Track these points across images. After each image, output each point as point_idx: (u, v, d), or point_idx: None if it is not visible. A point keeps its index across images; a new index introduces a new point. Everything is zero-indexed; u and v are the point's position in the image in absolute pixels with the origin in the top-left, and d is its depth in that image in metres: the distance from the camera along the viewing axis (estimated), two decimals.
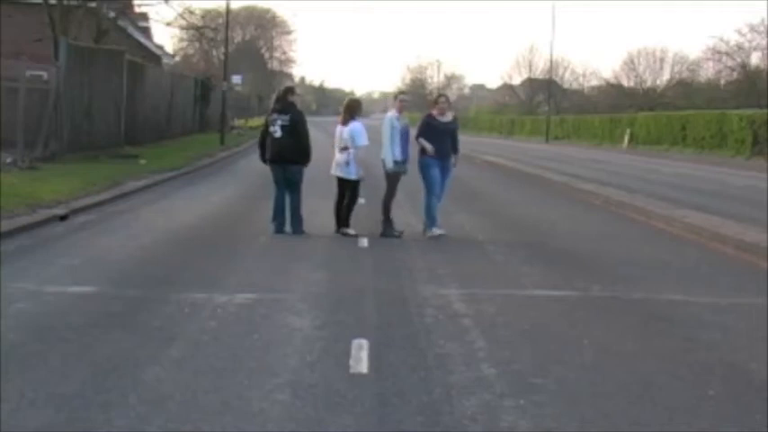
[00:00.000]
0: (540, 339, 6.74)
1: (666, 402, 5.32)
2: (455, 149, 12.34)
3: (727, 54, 65.13)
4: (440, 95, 13.00)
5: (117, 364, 5.70)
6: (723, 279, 9.81)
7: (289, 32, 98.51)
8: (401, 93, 13.59)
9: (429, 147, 11.98)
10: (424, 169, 12.11)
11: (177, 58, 67.44)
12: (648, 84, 78.67)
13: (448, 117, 12.31)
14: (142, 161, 22.82)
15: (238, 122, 58.01)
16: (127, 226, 12.52)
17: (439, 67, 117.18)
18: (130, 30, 35.86)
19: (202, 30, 42.00)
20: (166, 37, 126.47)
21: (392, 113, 12.10)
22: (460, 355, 6.20)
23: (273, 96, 12.55)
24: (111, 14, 28.99)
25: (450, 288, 8.59)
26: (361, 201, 12.50)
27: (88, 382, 5.33)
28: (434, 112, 12.27)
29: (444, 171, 12.21)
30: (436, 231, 11.96)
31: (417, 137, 12.17)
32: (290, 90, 12.45)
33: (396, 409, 5.03)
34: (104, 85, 24.76)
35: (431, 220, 12.08)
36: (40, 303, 7.39)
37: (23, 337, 6.31)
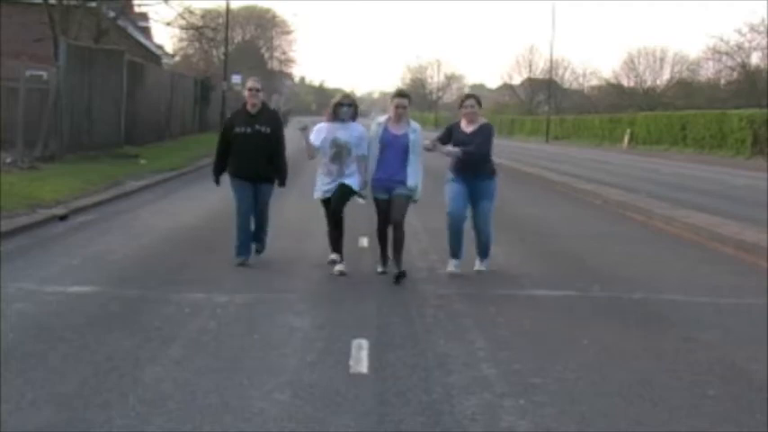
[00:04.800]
0: (540, 339, 6.74)
1: (666, 402, 5.32)
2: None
3: (727, 54, 65.17)
4: (466, 97, 9.62)
5: (117, 364, 5.70)
6: (723, 279, 9.81)
7: (289, 32, 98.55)
8: (399, 94, 9.39)
9: (450, 150, 9.29)
10: (447, 184, 9.60)
11: (177, 58, 67.46)
12: (648, 84, 78.77)
13: (476, 125, 9.34)
14: (142, 161, 22.84)
15: None
16: (127, 226, 12.51)
17: (439, 67, 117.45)
18: (130, 30, 35.89)
19: (202, 30, 41.97)
20: (166, 37, 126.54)
21: (383, 118, 9.39)
22: (460, 355, 6.20)
23: (253, 96, 9.54)
24: (111, 14, 29.00)
25: (450, 288, 8.59)
26: (360, 201, 12.42)
27: (88, 381, 5.33)
28: (462, 121, 9.44)
29: (476, 193, 9.40)
30: (450, 268, 9.36)
31: (436, 138, 9.67)
32: (257, 92, 9.61)
33: (396, 409, 5.03)
34: (104, 85, 24.75)
35: (451, 247, 9.45)
36: (40, 303, 7.39)
37: (23, 337, 6.31)
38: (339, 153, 9.09)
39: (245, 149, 9.46)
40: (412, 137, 9.10)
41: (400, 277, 8.83)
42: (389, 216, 9.10)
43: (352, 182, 9.12)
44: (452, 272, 9.30)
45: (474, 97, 9.62)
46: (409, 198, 9.13)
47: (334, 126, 9.17)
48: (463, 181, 9.38)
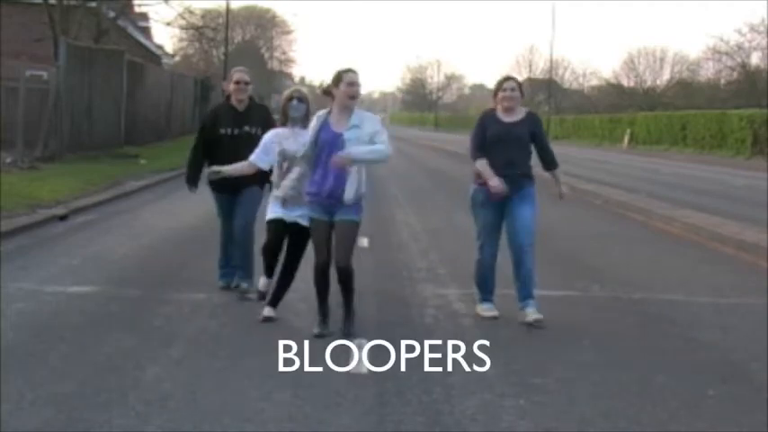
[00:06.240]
0: (540, 339, 6.73)
1: (666, 402, 5.32)
2: (547, 164, 7.46)
3: (727, 54, 65.16)
4: (505, 79, 7.46)
5: (117, 364, 5.71)
6: (723, 279, 9.81)
7: (289, 32, 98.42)
8: (351, 70, 6.62)
9: (487, 173, 7.14)
10: (473, 207, 7.46)
11: (177, 58, 67.44)
12: (648, 84, 78.73)
13: (517, 115, 7.34)
14: (142, 161, 22.87)
15: None
16: (127, 226, 12.51)
17: (439, 67, 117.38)
18: (130, 30, 35.91)
19: (202, 30, 41.99)
20: (166, 37, 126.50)
21: (323, 112, 6.70)
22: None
23: (242, 90, 7.86)
24: (111, 14, 29.02)
25: (450, 288, 8.59)
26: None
27: (88, 381, 5.33)
28: (497, 108, 7.38)
29: (515, 200, 7.21)
30: (485, 311, 7.38)
31: (473, 153, 7.39)
32: (246, 85, 7.91)
33: (396, 409, 5.03)
34: (104, 85, 24.78)
35: (480, 287, 7.47)
36: (39, 303, 7.39)
37: (23, 337, 6.31)
38: (291, 170, 6.84)
39: (230, 155, 7.40)
40: (348, 134, 6.48)
41: (349, 335, 6.51)
42: (331, 252, 6.62)
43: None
44: (494, 315, 7.31)
45: (514, 80, 7.51)
46: (357, 225, 6.70)
47: (283, 133, 6.92)
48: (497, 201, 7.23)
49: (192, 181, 8.10)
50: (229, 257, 8.09)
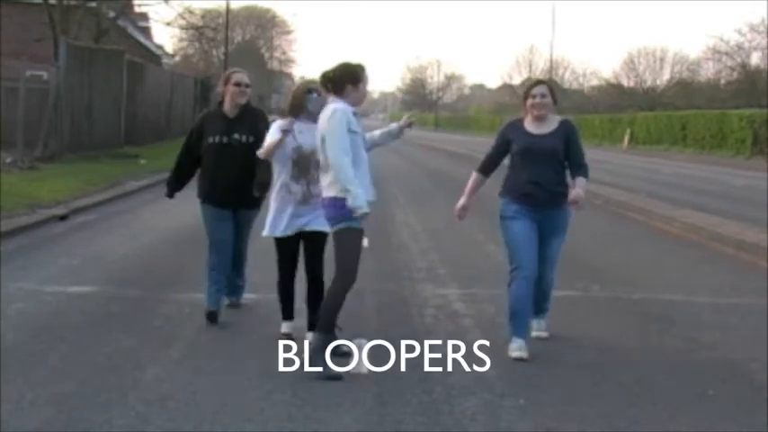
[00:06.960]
0: (540, 339, 6.73)
1: (666, 402, 5.32)
2: (575, 172, 6.41)
3: (727, 54, 65.13)
4: (535, 83, 6.64)
5: (117, 364, 5.71)
6: (723, 279, 9.81)
7: (289, 32, 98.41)
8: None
9: (467, 190, 6.66)
10: (502, 222, 6.47)
11: (177, 58, 67.44)
12: (648, 84, 78.70)
13: (549, 125, 6.41)
14: (142, 161, 22.88)
15: None
16: (127, 226, 12.52)
17: (439, 67, 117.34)
18: (130, 30, 35.95)
19: (202, 30, 42.01)
20: (166, 37, 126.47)
21: (348, 106, 5.82)
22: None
23: (242, 93, 6.98)
24: (111, 14, 29.04)
25: (450, 288, 8.59)
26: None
27: (88, 381, 5.33)
28: (525, 120, 6.48)
29: (546, 226, 6.38)
30: (515, 352, 6.17)
31: (479, 165, 6.74)
32: (246, 88, 7.02)
33: (396, 409, 5.03)
34: (104, 85, 24.79)
35: (513, 322, 6.30)
36: (39, 303, 7.39)
37: (23, 337, 6.32)
38: (305, 167, 6.17)
39: (221, 166, 6.75)
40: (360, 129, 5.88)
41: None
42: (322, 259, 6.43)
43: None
44: (521, 356, 6.15)
45: (546, 83, 6.68)
46: None
47: (296, 127, 6.19)
48: (530, 213, 6.34)
49: (170, 188, 7.32)
50: (222, 283, 7.10)
